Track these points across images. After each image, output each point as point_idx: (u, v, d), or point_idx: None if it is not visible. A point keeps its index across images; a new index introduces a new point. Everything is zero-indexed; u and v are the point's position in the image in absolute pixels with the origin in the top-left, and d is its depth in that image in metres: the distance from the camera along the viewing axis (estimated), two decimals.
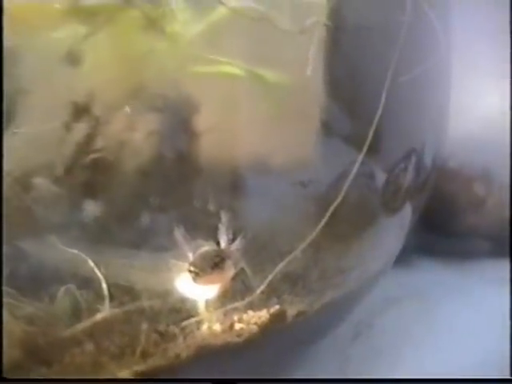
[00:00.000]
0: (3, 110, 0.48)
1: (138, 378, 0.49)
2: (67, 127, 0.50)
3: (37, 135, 0.50)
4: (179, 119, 0.54)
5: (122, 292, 0.52)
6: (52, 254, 0.51)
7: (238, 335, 0.53)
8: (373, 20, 0.58)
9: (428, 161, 0.70)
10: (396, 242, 0.70)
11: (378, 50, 0.59)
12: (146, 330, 0.51)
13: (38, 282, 0.50)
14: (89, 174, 0.52)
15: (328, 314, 0.62)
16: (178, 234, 0.51)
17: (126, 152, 0.52)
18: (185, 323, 0.52)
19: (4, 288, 0.48)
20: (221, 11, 0.52)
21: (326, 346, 0.68)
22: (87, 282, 0.51)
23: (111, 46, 0.52)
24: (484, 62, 0.91)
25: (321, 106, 0.58)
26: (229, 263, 0.52)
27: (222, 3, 0.51)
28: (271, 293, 0.56)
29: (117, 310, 0.51)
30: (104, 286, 0.50)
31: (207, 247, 0.52)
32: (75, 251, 0.50)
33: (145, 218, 0.53)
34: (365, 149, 0.57)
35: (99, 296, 0.51)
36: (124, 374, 0.49)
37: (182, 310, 0.53)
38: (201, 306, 0.53)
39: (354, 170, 0.57)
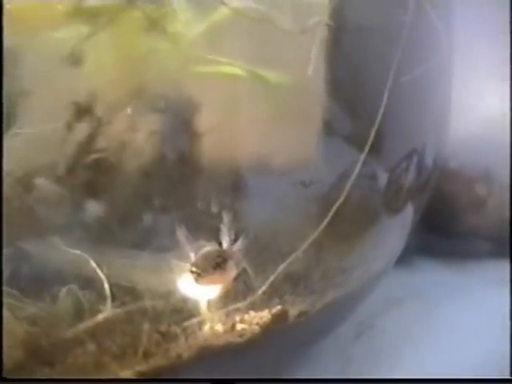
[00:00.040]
0: (4, 111, 0.48)
1: (140, 378, 0.49)
2: (69, 127, 0.50)
3: (38, 135, 0.50)
4: (181, 120, 0.54)
5: (124, 292, 0.52)
6: (54, 255, 0.50)
7: (240, 335, 0.53)
8: (375, 20, 0.58)
9: (429, 161, 0.70)
10: (398, 242, 0.70)
11: (380, 49, 0.59)
12: (148, 331, 0.51)
13: (40, 283, 0.50)
14: (91, 174, 0.52)
15: (330, 314, 0.62)
16: (180, 234, 0.51)
17: (127, 152, 0.52)
18: (187, 323, 0.52)
19: (6, 289, 0.48)
20: (222, 11, 0.52)
21: (327, 346, 0.68)
22: (89, 283, 0.51)
23: (113, 47, 0.52)
24: (485, 63, 0.91)
25: (322, 106, 0.58)
26: (231, 264, 0.52)
27: (224, 3, 0.51)
28: (273, 293, 0.56)
29: (119, 310, 0.51)
30: (106, 286, 0.50)
31: (209, 248, 0.52)
32: (77, 252, 0.50)
33: (147, 219, 0.53)
34: (367, 149, 0.57)
35: (101, 296, 0.51)
36: (126, 374, 0.49)
37: (183, 311, 0.53)
38: (203, 306, 0.53)
39: (356, 170, 0.57)
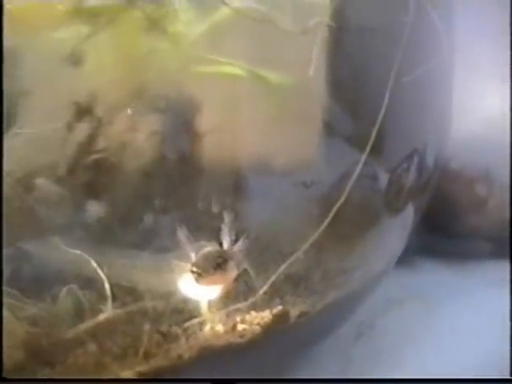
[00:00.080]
0: (4, 111, 0.48)
1: (141, 378, 0.49)
2: (69, 128, 0.50)
3: (39, 136, 0.50)
4: (181, 120, 0.54)
5: (125, 292, 0.52)
6: (54, 255, 0.50)
7: (241, 336, 0.53)
8: (376, 20, 0.58)
9: (430, 161, 0.70)
10: (399, 242, 0.70)
11: (381, 50, 0.59)
12: (149, 331, 0.51)
13: (41, 283, 0.50)
14: (91, 174, 0.52)
15: (330, 315, 0.62)
16: (181, 234, 0.51)
17: (128, 153, 0.52)
18: (187, 324, 0.52)
19: (6, 289, 0.48)
20: (223, 11, 0.52)
21: (328, 347, 0.68)
22: (90, 283, 0.51)
23: (113, 47, 0.51)
24: (485, 64, 0.91)
25: (323, 106, 0.58)
26: (231, 264, 0.52)
27: (225, 3, 0.51)
28: (274, 293, 0.56)
29: (119, 311, 0.51)
30: (107, 286, 0.50)
31: (210, 248, 0.52)
32: (78, 252, 0.50)
33: (147, 219, 0.53)
34: (368, 149, 0.57)
35: (102, 296, 0.50)
36: (127, 374, 0.49)
37: (184, 311, 0.53)
38: (203, 306, 0.53)
39: (357, 170, 0.57)
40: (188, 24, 0.52)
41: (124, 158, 0.52)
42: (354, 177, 0.57)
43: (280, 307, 0.55)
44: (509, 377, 0.65)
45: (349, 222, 0.60)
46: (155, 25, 0.51)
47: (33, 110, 0.50)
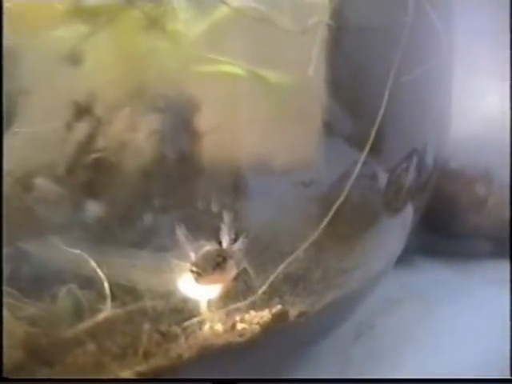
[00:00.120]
0: (4, 110, 0.48)
1: (140, 378, 0.49)
2: (68, 127, 0.50)
3: (38, 135, 0.50)
4: (181, 119, 0.54)
5: (124, 292, 0.52)
6: (54, 255, 0.50)
7: (240, 335, 0.53)
8: (375, 20, 0.58)
9: (429, 161, 0.70)
10: (398, 242, 0.70)
11: (381, 50, 0.59)
12: (148, 331, 0.50)
13: (40, 283, 0.50)
14: (90, 174, 0.52)
15: (330, 315, 0.62)
16: (180, 234, 0.51)
17: (127, 152, 0.52)
18: (187, 323, 0.52)
19: (6, 289, 0.48)
20: (222, 11, 0.52)
21: (327, 347, 0.68)
22: (89, 282, 0.50)
23: (113, 46, 0.51)
24: (485, 63, 0.91)
25: (323, 106, 0.58)
26: (231, 263, 0.52)
27: (225, 3, 0.51)
28: (273, 293, 0.56)
29: (119, 310, 0.50)
30: (106, 286, 0.50)
31: (209, 247, 0.52)
32: (77, 251, 0.50)
33: (147, 218, 0.53)
34: (367, 149, 0.57)
35: (101, 296, 0.50)
36: (126, 374, 0.49)
37: (183, 310, 0.53)
38: (203, 306, 0.53)
39: (356, 170, 0.57)
40: (187, 23, 0.52)
41: (123, 157, 0.52)
42: (354, 176, 0.57)
43: (279, 307, 0.55)
44: (509, 377, 0.65)
45: (348, 222, 0.60)
46: (154, 24, 0.51)
47: (32, 109, 0.50)
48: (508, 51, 0.87)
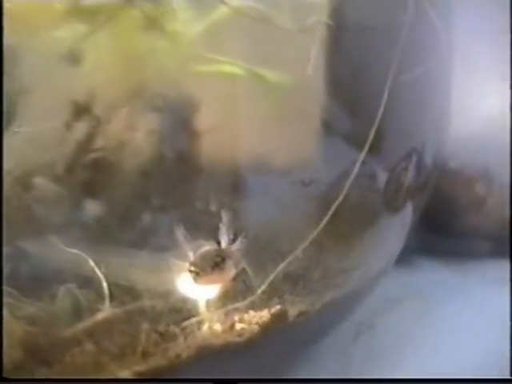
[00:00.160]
0: (3, 109, 0.48)
1: (139, 378, 0.49)
2: (68, 126, 0.50)
3: (37, 134, 0.50)
4: (180, 119, 0.54)
5: (123, 292, 0.52)
6: (52, 254, 0.50)
7: (239, 335, 0.53)
8: (374, 19, 0.58)
9: (429, 160, 0.70)
10: (397, 242, 0.70)
11: (380, 49, 0.59)
12: (147, 330, 0.50)
13: (39, 282, 0.50)
14: (89, 173, 0.52)
15: (329, 314, 0.62)
16: (179, 233, 0.51)
17: (126, 151, 0.52)
18: (185, 323, 0.52)
19: (5, 288, 0.48)
20: (222, 10, 0.52)
21: (327, 346, 0.68)
22: (88, 282, 0.51)
23: (112, 46, 0.51)
24: (485, 63, 0.91)
25: (322, 105, 0.58)
26: (229, 263, 0.52)
27: (224, 2, 0.51)
28: (272, 293, 0.55)
29: (117, 310, 0.50)
30: (104, 285, 0.50)
31: (208, 247, 0.52)
32: (76, 251, 0.50)
33: (145, 218, 0.53)
34: (366, 148, 0.57)
35: (100, 296, 0.50)
36: (124, 374, 0.49)
37: (182, 310, 0.53)
38: (202, 305, 0.53)
39: (356, 169, 0.57)
40: (186, 23, 0.52)
41: (122, 156, 0.52)
42: (353, 176, 0.57)
43: (278, 306, 0.55)
44: (509, 377, 0.65)
45: (347, 221, 0.60)
46: (153, 24, 0.51)
47: (31, 108, 0.50)
48: (508, 51, 0.87)
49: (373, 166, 0.61)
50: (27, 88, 0.49)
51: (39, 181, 0.51)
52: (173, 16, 0.52)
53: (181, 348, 0.51)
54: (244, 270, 0.54)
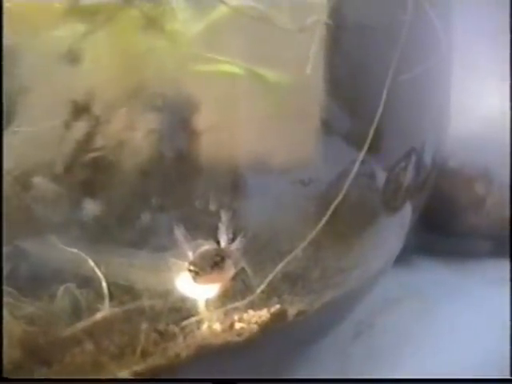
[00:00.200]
0: (3, 109, 0.48)
1: (138, 377, 0.49)
2: (67, 126, 0.50)
3: (37, 134, 0.50)
4: (179, 118, 0.54)
5: (122, 291, 0.52)
6: (52, 254, 0.50)
7: (239, 335, 0.53)
8: (374, 19, 0.58)
9: (428, 160, 0.70)
10: (396, 241, 0.70)
11: (379, 48, 0.59)
12: (146, 330, 0.50)
13: (38, 282, 0.50)
14: (88, 172, 0.52)
15: (328, 314, 0.62)
16: (178, 233, 0.51)
17: (125, 151, 0.52)
18: (185, 322, 0.52)
19: (4, 288, 0.48)
20: (221, 10, 0.52)
21: (326, 346, 0.68)
22: (87, 282, 0.51)
23: (111, 45, 0.51)
24: (484, 63, 0.91)
25: (321, 104, 0.58)
26: (229, 262, 0.52)
27: (224, 2, 0.51)
28: (272, 292, 0.56)
29: (117, 310, 0.50)
30: (104, 285, 0.50)
31: (207, 246, 0.52)
32: (75, 250, 0.50)
33: (145, 217, 0.53)
34: (365, 147, 0.57)
35: (99, 295, 0.50)
36: (124, 373, 0.49)
37: (182, 310, 0.53)
38: (201, 305, 0.53)
39: (355, 168, 0.57)
40: (185, 22, 0.52)
41: (121, 156, 0.52)
42: (352, 175, 0.57)
43: (278, 306, 0.55)
44: (509, 377, 0.65)
45: (346, 221, 0.60)
46: (153, 23, 0.51)
47: (31, 107, 0.50)
48: (508, 51, 0.87)
49: (372, 166, 0.61)
50: (27, 87, 0.49)
51: (39, 180, 0.51)
52: (172, 16, 0.52)
53: (180, 347, 0.51)
54: (243, 269, 0.54)
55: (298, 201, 0.58)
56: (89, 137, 0.51)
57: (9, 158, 0.48)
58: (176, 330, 0.51)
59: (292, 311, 0.56)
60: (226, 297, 0.53)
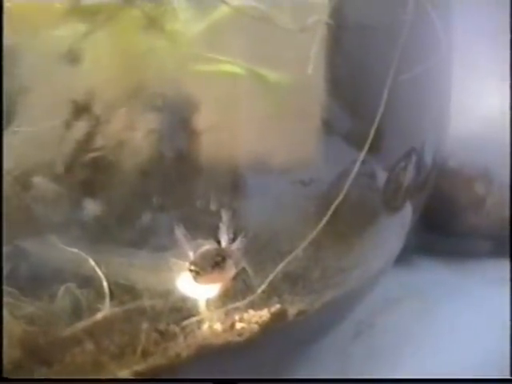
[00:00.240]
0: (3, 109, 0.48)
1: (139, 377, 0.49)
2: (67, 126, 0.50)
3: (37, 134, 0.50)
4: (179, 118, 0.54)
5: (123, 291, 0.52)
6: (52, 253, 0.50)
7: (239, 334, 0.53)
8: (374, 19, 0.58)
9: (428, 160, 0.70)
10: (397, 241, 0.70)
11: (380, 48, 0.59)
12: (147, 330, 0.50)
13: (38, 282, 0.50)
14: (88, 172, 0.52)
15: (329, 313, 0.62)
16: (179, 233, 0.51)
17: (125, 151, 0.52)
18: (185, 322, 0.52)
19: (4, 287, 0.48)
20: (222, 10, 0.52)
21: (327, 345, 0.68)
22: (88, 281, 0.51)
23: (111, 45, 0.51)
24: (484, 63, 0.91)
25: (322, 104, 0.58)
26: (229, 262, 0.52)
27: (225, 2, 0.51)
28: (272, 292, 0.56)
29: (117, 309, 0.50)
30: (104, 285, 0.50)
31: (208, 246, 0.52)
32: (75, 250, 0.50)
33: (145, 217, 0.53)
34: (366, 147, 0.57)
35: (100, 295, 0.50)
36: (124, 373, 0.49)
37: (182, 309, 0.53)
38: (202, 305, 0.53)
39: (355, 168, 0.57)
40: (186, 22, 0.52)
41: (121, 156, 0.52)
42: (353, 175, 0.57)
43: (278, 306, 0.55)
44: (509, 377, 0.65)
45: (347, 221, 0.60)
46: (153, 23, 0.51)
47: (31, 107, 0.50)
48: (508, 51, 0.87)
49: (372, 166, 0.61)
50: (27, 87, 0.49)
51: (39, 180, 0.51)
52: (173, 16, 0.52)
53: (181, 347, 0.51)
54: (244, 269, 0.54)
55: (299, 201, 0.58)
56: (89, 137, 0.51)
57: (9, 158, 0.48)
58: (177, 329, 0.51)
59: (292, 311, 0.56)
60: (226, 297, 0.53)
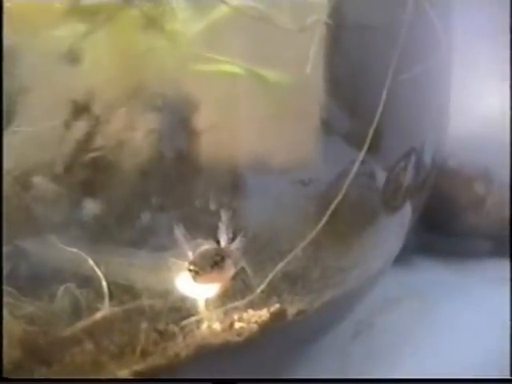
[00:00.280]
0: (3, 109, 0.48)
1: (138, 377, 0.49)
2: (67, 126, 0.50)
3: (37, 134, 0.50)
4: (179, 118, 0.54)
5: (122, 291, 0.52)
6: (52, 253, 0.51)
7: (238, 334, 0.53)
8: (374, 18, 0.58)
9: (428, 160, 0.70)
10: (396, 241, 0.70)
11: (379, 48, 0.59)
12: (146, 329, 0.50)
13: (38, 281, 0.50)
14: (88, 172, 0.52)
15: (328, 313, 0.62)
16: (178, 232, 0.51)
17: (125, 151, 0.52)
18: (185, 322, 0.52)
19: (4, 287, 0.48)
20: (221, 10, 0.52)
21: (326, 345, 0.68)
22: (87, 281, 0.51)
23: (111, 45, 0.52)
24: (484, 62, 0.91)
25: (321, 104, 0.58)
26: (229, 262, 0.52)
27: (224, 2, 0.51)
28: (271, 292, 0.56)
29: (116, 309, 0.51)
30: (104, 284, 0.50)
31: (207, 246, 0.52)
32: (75, 250, 0.50)
33: (144, 217, 0.53)
34: (365, 147, 0.57)
35: (99, 295, 0.50)
36: (124, 373, 0.49)
37: (181, 309, 0.53)
38: (201, 304, 0.53)
39: (355, 168, 0.57)
40: (186, 22, 0.52)
41: (121, 156, 0.52)
42: (352, 175, 0.57)
43: (277, 305, 0.55)
44: (509, 377, 0.65)
45: (346, 221, 0.60)
46: (153, 23, 0.51)
47: (31, 107, 0.50)
48: (508, 51, 0.87)
49: (372, 166, 0.61)
50: (27, 87, 0.50)
51: (38, 180, 0.51)
52: (172, 15, 0.52)
53: (180, 347, 0.51)
54: (243, 269, 0.54)
55: (298, 201, 0.58)
56: (89, 137, 0.51)
57: (9, 157, 0.48)
58: (176, 329, 0.51)
59: (292, 311, 0.56)
60: (225, 296, 0.53)
